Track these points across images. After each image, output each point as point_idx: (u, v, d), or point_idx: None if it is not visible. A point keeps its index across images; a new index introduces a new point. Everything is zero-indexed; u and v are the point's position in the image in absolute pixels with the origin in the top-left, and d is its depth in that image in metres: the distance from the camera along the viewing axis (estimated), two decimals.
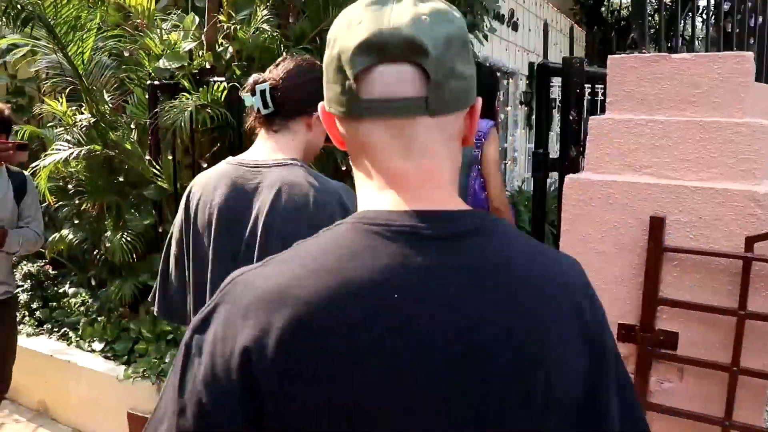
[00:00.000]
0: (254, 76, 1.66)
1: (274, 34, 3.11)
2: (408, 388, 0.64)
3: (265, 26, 3.05)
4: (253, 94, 1.61)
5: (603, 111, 2.62)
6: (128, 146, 3.56)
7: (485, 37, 5.80)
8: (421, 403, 0.64)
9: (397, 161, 0.72)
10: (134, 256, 3.51)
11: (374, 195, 0.73)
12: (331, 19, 3.17)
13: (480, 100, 0.78)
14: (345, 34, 0.70)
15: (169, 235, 1.74)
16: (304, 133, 1.66)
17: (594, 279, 1.99)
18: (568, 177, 2.04)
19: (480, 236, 0.71)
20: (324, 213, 1.48)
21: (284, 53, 3.13)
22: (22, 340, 3.59)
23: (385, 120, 0.70)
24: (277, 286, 0.66)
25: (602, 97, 2.62)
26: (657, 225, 1.88)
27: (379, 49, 0.67)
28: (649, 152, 1.98)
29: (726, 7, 2.58)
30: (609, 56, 2.08)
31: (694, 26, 2.30)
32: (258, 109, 1.61)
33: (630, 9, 18.38)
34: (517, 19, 9.12)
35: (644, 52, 2.07)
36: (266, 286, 0.67)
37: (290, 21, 3.28)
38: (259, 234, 1.49)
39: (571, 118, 2.29)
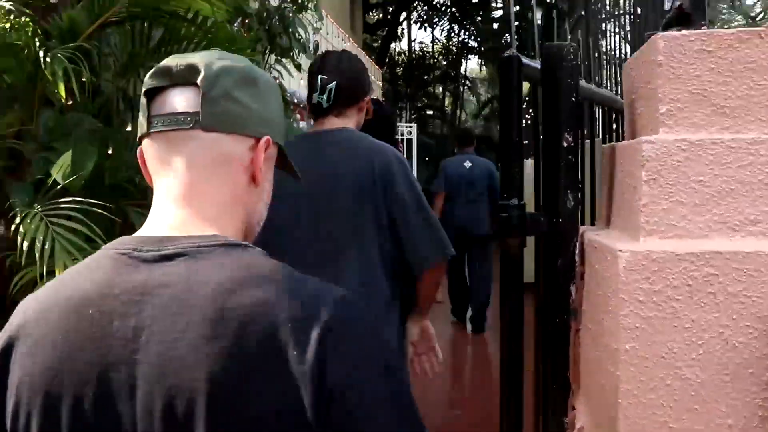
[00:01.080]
0: (320, 77, 1.91)
1: (24, 22, 1.84)
2: (70, 390, 0.69)
3: (8, 5, 1.76)
4: (322, 92, 1.90)
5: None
6: None
7: (298, 67, 4.83)
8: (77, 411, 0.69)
9: (167, 178, 0.77)
10: None
11: (149, 215, 0.79)
12: (122, 5, 1.98)
13: (268, 143, 0.80)
14: (151, 71, 0.79)
15: None
16: (356, 115, 2.00)
17: (683, 425, 1.09)
18: (627, 251, 1.11)
19: (188, 259, 0.72)
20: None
21: (41, 55, 1.88)
22: None
23: (165, 134, 0.76)
24: (29, 298, 0.78)
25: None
26: None
27: (166, 73, 0.77)
28: (757, 198, 1.13)
29: None
30: (658, 34, 1.21)
31: None
32: (318, 103, 1.90)
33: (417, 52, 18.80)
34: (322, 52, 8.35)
35: (704, 28, 1.24)
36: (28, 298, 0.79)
37: (52, 2, 2.02)
38: None
39: (565, 144, 1.39)
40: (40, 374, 0.70)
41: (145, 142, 0.79)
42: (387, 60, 17.67)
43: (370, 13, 17.67)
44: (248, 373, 0.65)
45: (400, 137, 10.21)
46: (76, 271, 0.77)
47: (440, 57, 18.47)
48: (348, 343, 0.68)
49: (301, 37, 4.93)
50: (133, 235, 0.78)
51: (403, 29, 18.32)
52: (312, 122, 2.09)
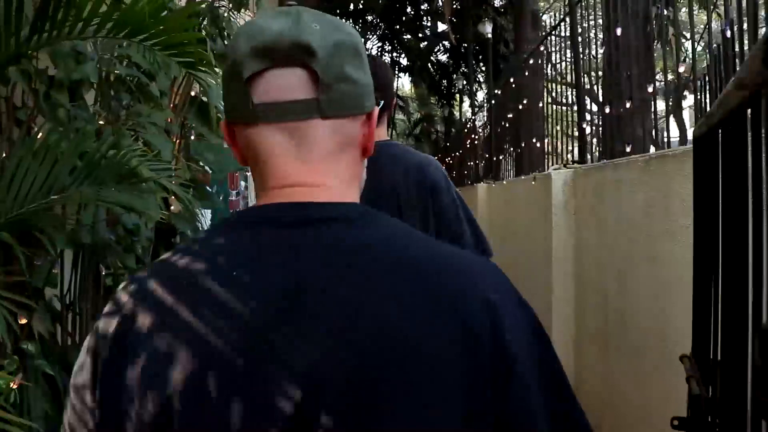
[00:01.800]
0: None
1: None
2: (231, 346, 0.63)
3: None
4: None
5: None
6: None
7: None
8: (244, 360, 0.63)
9: (288, 164, 0.71)
10: None
11: (264, 196, 0.73)
12: None
13: (377, 109, 0.77)
14: (242, 43, 0.70)
15: None
16: (387, 117, 1.98)
17: None
18: None
19: (342, 223, 0.70)
20: None
21: None
22: None
23: (278, 124, 0.70)
24: (153, 271, 0.74)
25: None
26: None
27: (269, 53, 0.68)
28: None
29: None
30: None
31: None
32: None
33: None
34: None
35: None
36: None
37: None
38: None
39: None
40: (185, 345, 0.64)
41: (249, 129, 0.72)
42: None
43: None
44: (428, 321, 0.62)
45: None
46: (214, 237, 0.74)
47: None
48: (515, 301, 0.68)
49: None
50: (250, 208, 0.75)
51: None
52: None
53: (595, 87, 4.46)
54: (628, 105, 3.65)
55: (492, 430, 0.61)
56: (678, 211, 2.34)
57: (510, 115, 6.21)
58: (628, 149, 3.34)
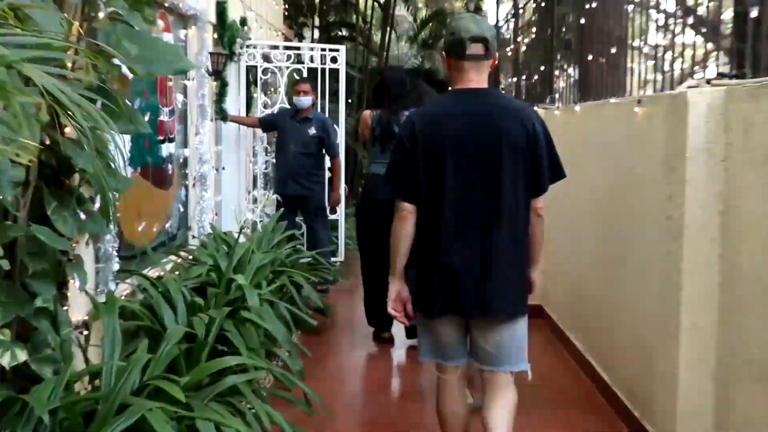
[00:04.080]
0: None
1: None
2: (460, 137, 2.42)
3: None
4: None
5: None
6: None
7: None
8: (464, 142, 2.42)
9: (472, 75, 2.45)
10: None
11: (460, 85, 2.49)
12: None
13: (497, 53, 2.54)
14: (463, 33, 2.41)
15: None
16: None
17: None
18: None
19: (491, 94, 2.52)
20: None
21: None
22: None
23: (471, 61, 2.43)
24: (425, 108, 2.82)
25: None
26: None
27: (472, 37, 2.41)
28: None
29: None
30: None
31: None
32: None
33: None
34: None
35: None
36: (422, 109, 2.81)
37: None
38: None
39: None
40: (445, 136, 2.46)
41: (461, 62, 2.45)
42: None
43: None
44: (518, 128, 2.41)
45: (319, 66, 6.47)
46: (447, 99, 2.62)
47: None
48: (538, 124, 2.46)
49: None
50: (456, 89, 2.50)
51: None
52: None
53: None
54: None
55: (531, 157, 2.42)
56: None
57: (588, 6, 4.52)
58: None
